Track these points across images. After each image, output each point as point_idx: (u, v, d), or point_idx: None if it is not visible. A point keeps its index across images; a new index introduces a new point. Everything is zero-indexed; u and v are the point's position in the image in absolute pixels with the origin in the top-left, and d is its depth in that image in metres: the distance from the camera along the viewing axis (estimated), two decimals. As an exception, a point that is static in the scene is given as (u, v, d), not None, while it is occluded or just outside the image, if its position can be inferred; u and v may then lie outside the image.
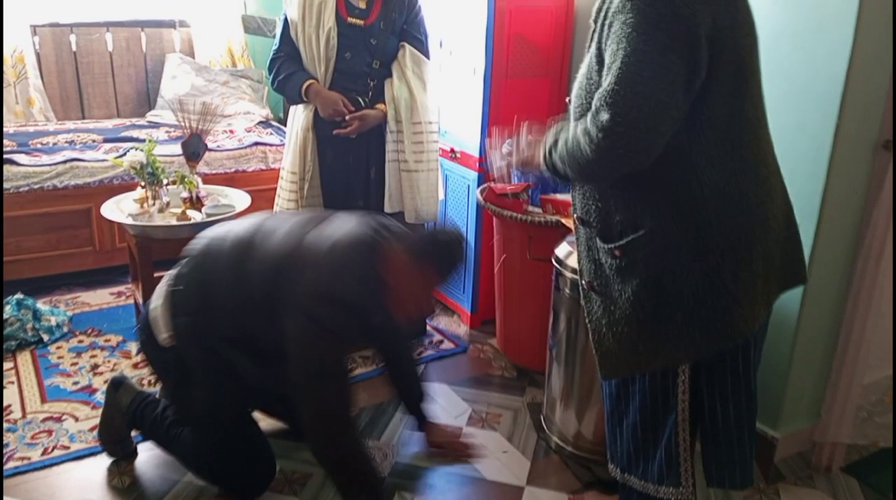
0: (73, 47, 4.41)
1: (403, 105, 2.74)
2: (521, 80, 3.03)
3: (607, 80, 1.37)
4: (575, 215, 1.66)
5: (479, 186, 3.06)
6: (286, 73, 2.74)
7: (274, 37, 2.88)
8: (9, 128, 3.99)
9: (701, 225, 1.46)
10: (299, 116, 2.79)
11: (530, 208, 2.81)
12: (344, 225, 2.01)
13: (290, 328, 1.90)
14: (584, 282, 1.68)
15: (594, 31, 1.48)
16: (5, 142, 3.63)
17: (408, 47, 2.76)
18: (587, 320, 1.69)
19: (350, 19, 2.69)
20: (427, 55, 2.82)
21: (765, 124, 1.54)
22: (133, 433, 2.34)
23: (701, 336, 1.52)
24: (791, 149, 2.19)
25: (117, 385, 2.31)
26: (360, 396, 2.70)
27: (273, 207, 2.92)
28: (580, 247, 1.68)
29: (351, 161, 2.81)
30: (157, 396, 2.32)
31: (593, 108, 1.39)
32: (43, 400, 2.63)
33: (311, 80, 2.70)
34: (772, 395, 2.37)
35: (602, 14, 1.44)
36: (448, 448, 2.42)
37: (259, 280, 1.96)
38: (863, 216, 2.25)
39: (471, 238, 3.23)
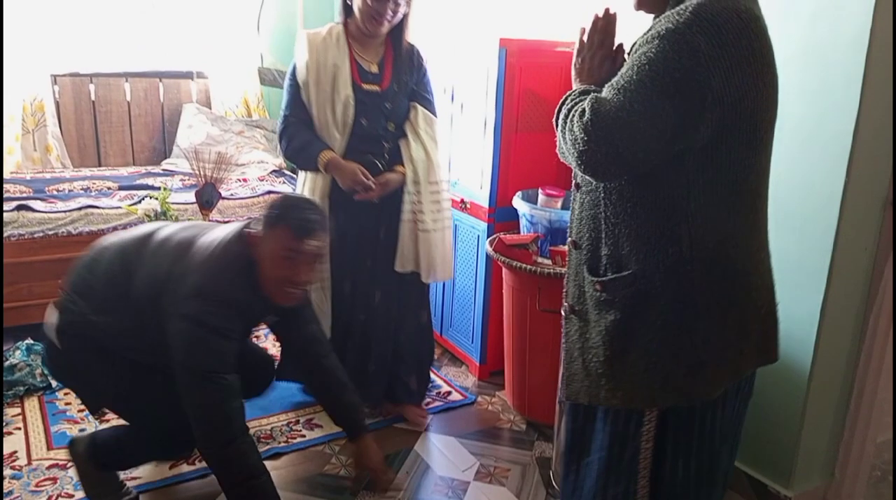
0: (92, 96, 4.50)
1: (421, 166, 2.71)
2: (531, 134, 3.07)
3: (607, 90, 1.42)
4: (569, 239, 1.67)
5: (488, 236, 3.07)
6: (301, 142, 2.65)
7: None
8: (26, 174, 4.06)
9: (683, 281, 1.46)
10: (316, 182, 2.71)
11: (540, 260, 2.82)
12: (224, 229, 2.15)
13: (173, 332, 2.00)
14: (566, 304, 1.68)
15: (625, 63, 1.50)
16: (22, 188, 3.69)
17: (419, 108, 2.75)
18: (563, 341, 1.70)
19: (365, 86, 2.63)
20: (435, 113, 2.82)
21: (765, 198, 1.54)
22: (131, 484, 2.34)
23: (660, 388, 1.51)
24: (800, 205, 2.21)
25: (72, 443, 2.34)
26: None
27: None
28: (569, 269, 1.68)
29: (362, 222, 2.74)
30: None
31: (591, 97, 1.42)
32: (49, 447, 2.62)
33: (329, 155, 2.61)
34: (784, 453, 2.34)
35: (635, 45, 1.47)
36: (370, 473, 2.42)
37: (146, 290, 2.08)
38: (873, 273, 2.25)
39: (480, 289, 3.24)
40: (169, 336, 2.00)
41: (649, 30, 1.41)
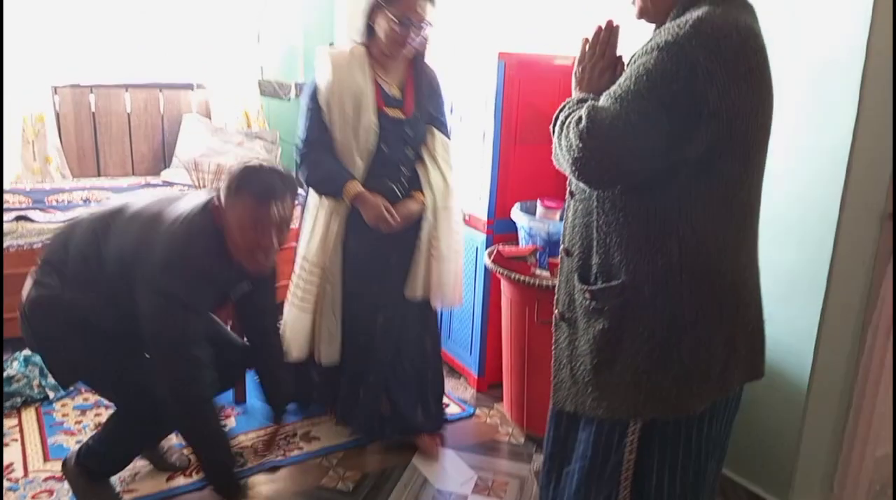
0: (92, 107, 4.50)
1: (439, 193, 2.65)
2: (530, 146, 3.08)
3: (604, 99, 1.42)
4: (562, 246, 1.68)
5: (487, 248, 3.07)
6: (325, 171, 2.56)
7: (288, 99, 2.75)
8: (25, 185, 4.06)
9: (672, 294, 1.47)
10: (334, 205, 2.62)
11: (538, 272, 2.82)
12: (190, 201, 2.18)
13: (142, 305, 2.05)
14: (556, 311, 1.68)
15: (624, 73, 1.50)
16: (21, 199, 3.69)
17: (437, 133, 2.69)
18: (553, 348, 1.70)
19: (389, 111, 2.57)
20: (450, 137, 2.76)
21: (757, 214, 1.54)
22: (128, 497, 2.33)
23: (645, 399, 1.51)
24: (798, 218, 2.22)
25: (64, 463, 2.38)
26: (364, 462, 2.67)
27: (288, 290, 2.74)
28: (561, 277, 1.69)
29: (374, 245, 2.64)
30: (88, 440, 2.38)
31: (588, 105, 1.42)
32: (46, 459, 2.61)
33: (356, 189, 2.53)
34: (783, 467, 2.34)
35: (634, 56, 1.47)
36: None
37: (116, 267, 2.12)
38: (871, 287, 2.25)
39: (478, 301, 3.23)
40: (139, 310, 2.04)
41: (649, 41, 1.42)
